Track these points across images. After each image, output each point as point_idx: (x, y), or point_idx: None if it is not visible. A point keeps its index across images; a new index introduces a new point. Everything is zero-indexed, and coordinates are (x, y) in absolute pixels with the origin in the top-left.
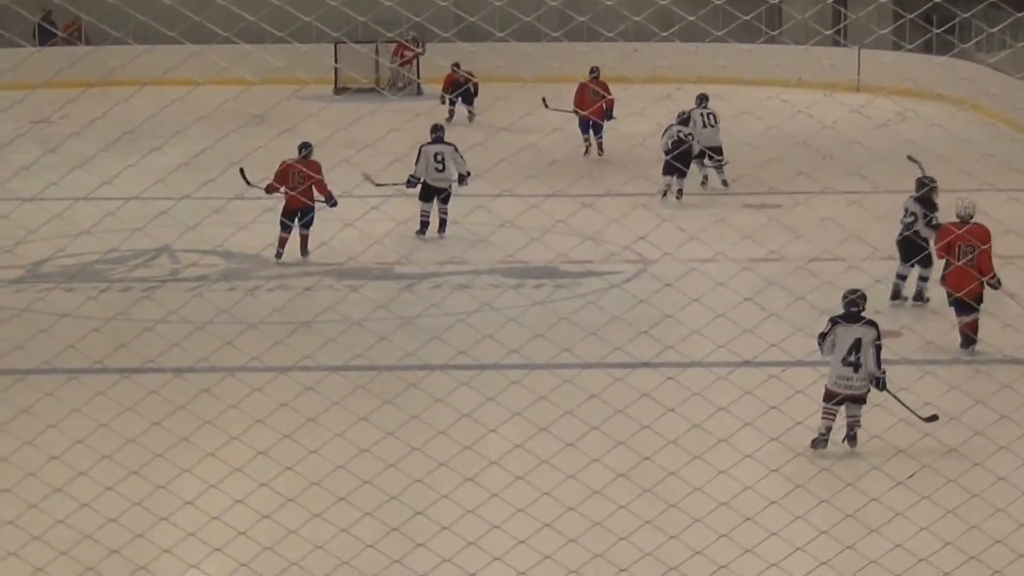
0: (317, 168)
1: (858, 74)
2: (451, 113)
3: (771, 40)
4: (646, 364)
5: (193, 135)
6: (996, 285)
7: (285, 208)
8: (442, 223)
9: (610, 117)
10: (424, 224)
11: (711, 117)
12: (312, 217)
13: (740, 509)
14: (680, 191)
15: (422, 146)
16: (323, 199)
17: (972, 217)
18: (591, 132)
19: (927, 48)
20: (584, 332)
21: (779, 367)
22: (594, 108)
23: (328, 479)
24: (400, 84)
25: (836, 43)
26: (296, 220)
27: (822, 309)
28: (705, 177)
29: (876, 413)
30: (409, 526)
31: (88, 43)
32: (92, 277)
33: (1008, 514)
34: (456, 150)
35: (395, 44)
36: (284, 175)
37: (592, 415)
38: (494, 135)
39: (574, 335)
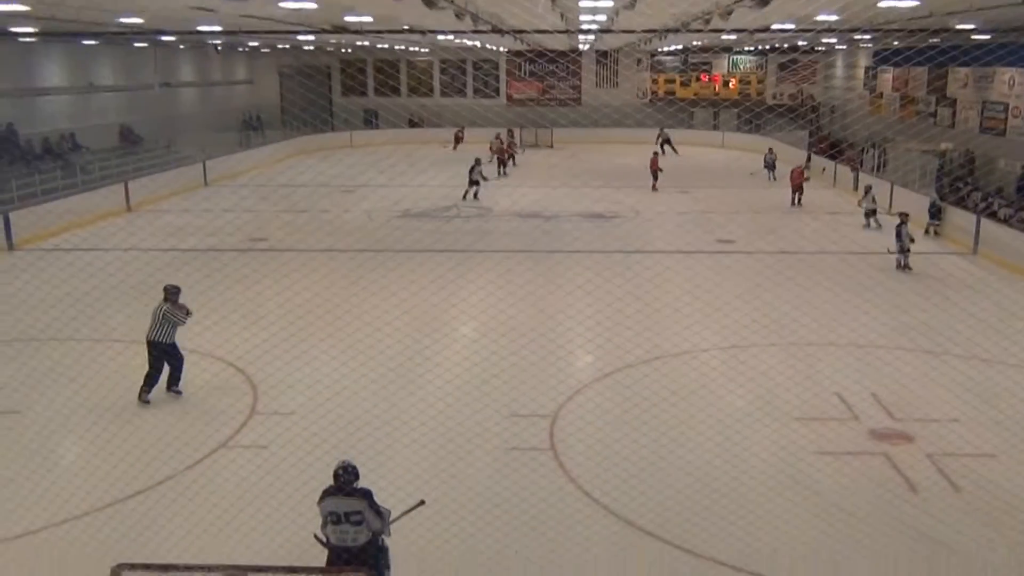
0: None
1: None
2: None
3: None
4: (640, 251)
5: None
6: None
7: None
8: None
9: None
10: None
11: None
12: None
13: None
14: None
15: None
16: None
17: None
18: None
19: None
20: (615, 239)
21: (695, 252)
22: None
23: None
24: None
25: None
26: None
27: (706, 230)
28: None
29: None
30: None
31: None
32: (425, 214)
33: None
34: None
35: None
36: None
37: (617, 271)
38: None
39: (608, 239)
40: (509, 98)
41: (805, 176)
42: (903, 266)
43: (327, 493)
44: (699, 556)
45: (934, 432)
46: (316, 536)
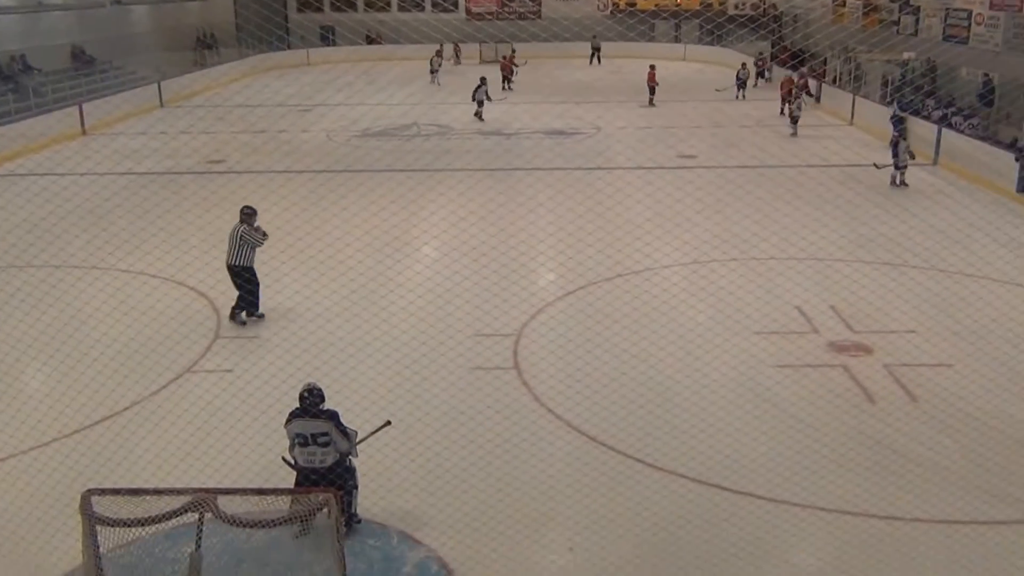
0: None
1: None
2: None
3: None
4: (601, 167)
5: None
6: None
7: None
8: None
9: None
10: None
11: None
12: None
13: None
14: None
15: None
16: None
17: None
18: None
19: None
20: (576, 155)
21: (656, 168)
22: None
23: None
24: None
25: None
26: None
27: (667, 145)
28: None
29: None
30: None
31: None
32: (385, 133)
33: None
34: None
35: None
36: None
37: (579, 188)
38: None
39: (569, 155)
40: (468, 12)
41: (798, 90)
42: (899, 183)
43: (294, 415)
44: (661, 469)
45: (892, 343)
46: (284, 458)
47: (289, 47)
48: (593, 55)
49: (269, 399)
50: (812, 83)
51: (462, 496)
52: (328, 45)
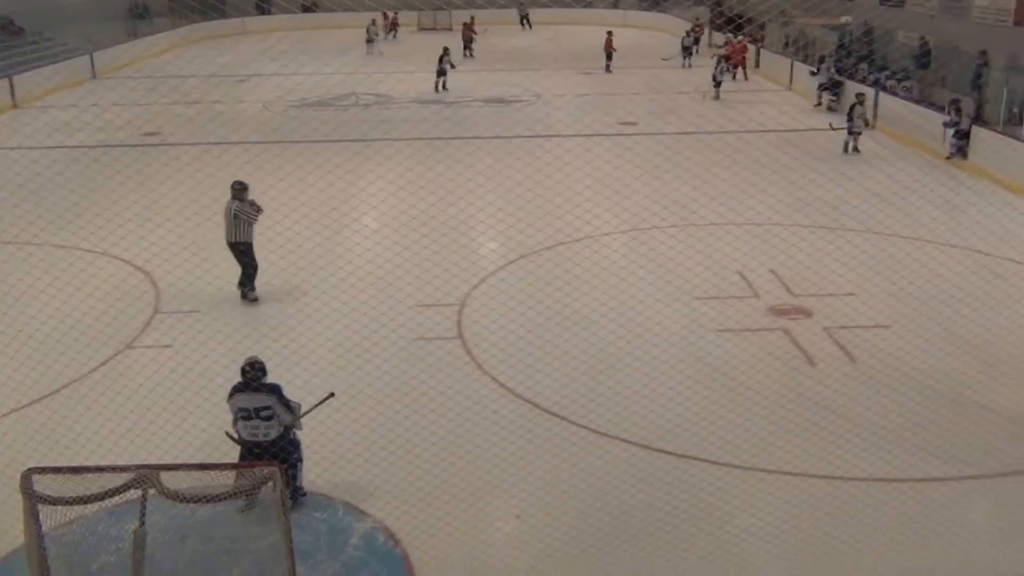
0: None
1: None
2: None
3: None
4: (541, 135)
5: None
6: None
7: None
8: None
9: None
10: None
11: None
12: None
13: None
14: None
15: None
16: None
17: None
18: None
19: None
20: (515, 123)
21: (596, 135)
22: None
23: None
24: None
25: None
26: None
27: (606, 112)
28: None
29: None
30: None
31: None
32: (322, 103)
33: None
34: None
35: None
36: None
37: (519, 156)
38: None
39: (509, 123)
40: None
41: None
42: (852, 150)
43: (236, 390)
44: (605, 435)
45: (831, 306)
46: (228, 433)
47: (224, 15)
48: (522, 20)
49: (210, 373)
50: (755, 48)
51: (408, 467)
52: (263, 14)
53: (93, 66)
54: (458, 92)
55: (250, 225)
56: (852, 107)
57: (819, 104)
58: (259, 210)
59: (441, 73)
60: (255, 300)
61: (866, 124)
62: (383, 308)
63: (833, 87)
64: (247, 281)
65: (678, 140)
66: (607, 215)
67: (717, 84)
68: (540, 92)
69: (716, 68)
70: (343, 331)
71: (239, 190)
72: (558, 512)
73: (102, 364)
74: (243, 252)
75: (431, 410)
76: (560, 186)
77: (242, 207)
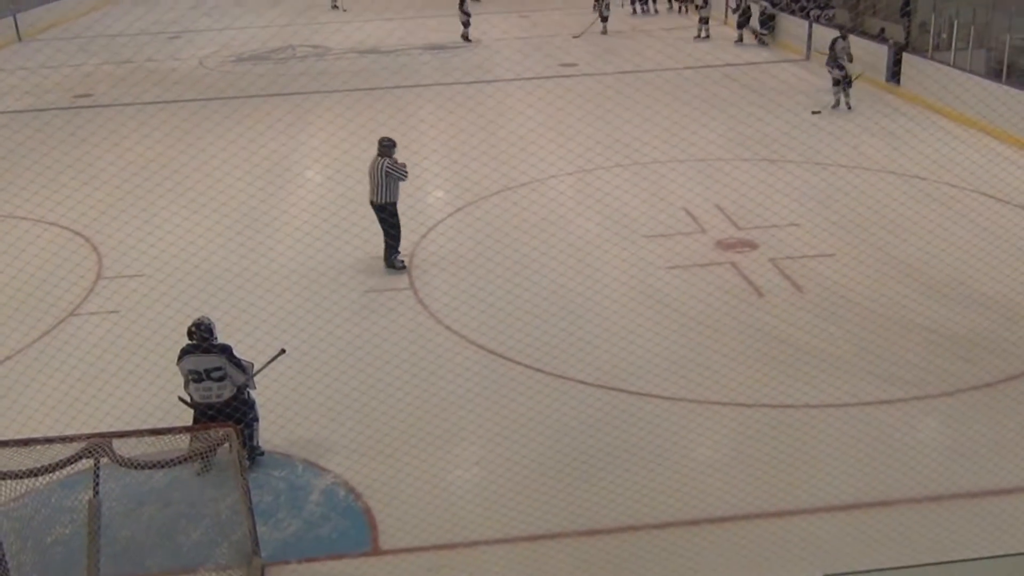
0: None
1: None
2: None
3: None
4: (482, 80)
5: None
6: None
7: None
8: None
9: None
10: None
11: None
12: None
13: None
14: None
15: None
16: None
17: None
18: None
19: None
20: (455, 68)
21: (537, 78)
22: None
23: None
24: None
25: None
26: None
27: (546, 53)
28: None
29: None
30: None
31: None
32: (259, 57)
33: None
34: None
35: None
36: None
37: (460, 103)
38: None
39: (449, 69)
40: None
41: None
42: (841, 105)
43: (185, 352)
44: (561, 377)
45: (776, 237)
46: (180, 397)
47: None
48: None
49: (158, 337)
50: None
51: (365, 420)
52: None
53: (18, 28)
54: (395, 40)
55: (398, 184)
56: (834, 42)
57: (740, 40)
58: (407, 170)
59: (466, 24)
60: (403, 268)
61: (850, 60)
62: (331, 262)
63: (765, 22)
64: (392, 247)
65: (619, 79)
66: (552, 157)
67: (840, 82)
68: (479, 36)
69: (602, 3)
70: (292, 287)
71: (388, 146)
72: (518, 456)
73: (45, 333)
74: (391, 215)
75: (386, 362)
76: (504, 130)
77: (393, 164)
